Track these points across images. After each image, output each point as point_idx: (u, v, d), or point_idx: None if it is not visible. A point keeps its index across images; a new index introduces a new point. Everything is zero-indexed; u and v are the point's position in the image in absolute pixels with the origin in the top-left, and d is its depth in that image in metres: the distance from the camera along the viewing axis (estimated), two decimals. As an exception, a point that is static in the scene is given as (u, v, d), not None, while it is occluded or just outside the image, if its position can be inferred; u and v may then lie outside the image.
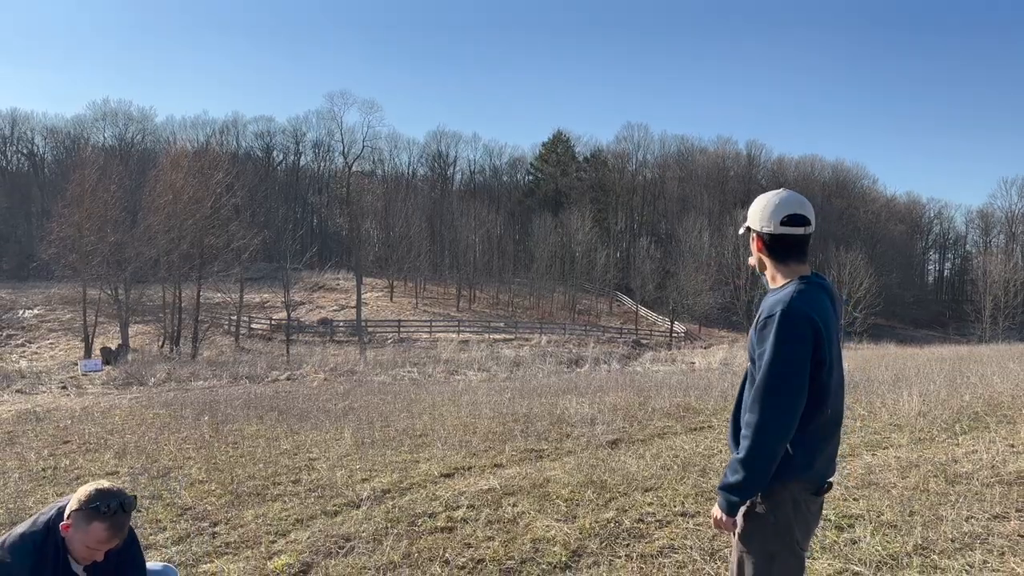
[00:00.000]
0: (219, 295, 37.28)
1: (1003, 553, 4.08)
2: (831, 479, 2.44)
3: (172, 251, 31.15)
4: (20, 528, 2.74)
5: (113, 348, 28.75)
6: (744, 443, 2.25)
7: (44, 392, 17.37)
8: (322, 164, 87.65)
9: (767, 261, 2.44)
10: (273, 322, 40.61)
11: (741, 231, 2.55)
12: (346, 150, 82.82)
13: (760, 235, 2.40)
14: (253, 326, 40.60)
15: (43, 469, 7.28)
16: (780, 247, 2.39)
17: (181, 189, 31.69)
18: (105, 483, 2.77)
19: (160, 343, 32.53)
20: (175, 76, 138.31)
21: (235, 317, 37.31)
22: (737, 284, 57.08)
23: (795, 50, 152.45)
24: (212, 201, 33.08)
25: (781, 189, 2.48)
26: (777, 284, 2.42)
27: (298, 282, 47.07)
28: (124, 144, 73.40)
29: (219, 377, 20.18)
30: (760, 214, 2.39)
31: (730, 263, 58.49)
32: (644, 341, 47.64)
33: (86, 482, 6.46)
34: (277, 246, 46.48)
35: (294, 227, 55.17)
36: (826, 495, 2.50)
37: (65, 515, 2.69)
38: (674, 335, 51.32)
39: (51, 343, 36.93)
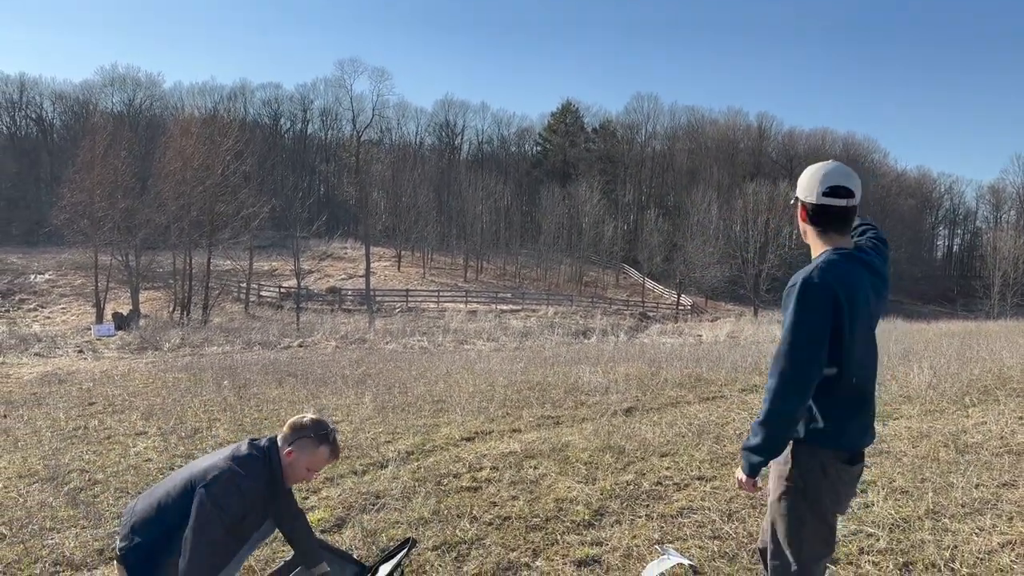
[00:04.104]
0: (229, 262, 37.48)
1: (1011, 518, 4.23)
2: (863, 448, 2.46)
3: (182, 218, 31.21)
4: (244, 450, 3.00)
5: (124, 314, 28.99)
6: (763, 408, 2.33)
7: (61, 355, 17.64)
8: (330, 132, 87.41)
9: (809, 231, 2.48)
10: (282, 290, 40.85)
11: (791, 202, 2.58)
12: (355, 118, 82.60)
13: (804, 205, 2.45)
14: (262, 294, 40.87)
15: (74, 429, 7.49)
16: (821, 218, 2.42)
17: (191, 156, 31.68)
18: (313, 414, 3.14)
19: (171, 309, 32.79)
20: (182, 41, 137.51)
21: (244, 284, 37.57)
22: (745, 257, 56.97)
23: (806, 22, 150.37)
24: (221, 168, 33.09)
25: (830, 161, 2.50)
26: (815, 254, 2.48)
27: (307, 251, 47.32)
28: (132, 110, 73.20)
29: (232, 343, 20.42)
30: (805, 184, 2.44)
31: (738, 236, 58.33)
32: (651, 314, 47.76)
33: (119, 440, 6.67)
34: (286, 214, 46.52)
35: (303, 196, 55.10)
36: (862, 465, 2.51)
37: (285, 444, 3.01)
38: (681, 308, 51.43)
39: (63, 308, 37.29)
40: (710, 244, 55.71)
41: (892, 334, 19.54)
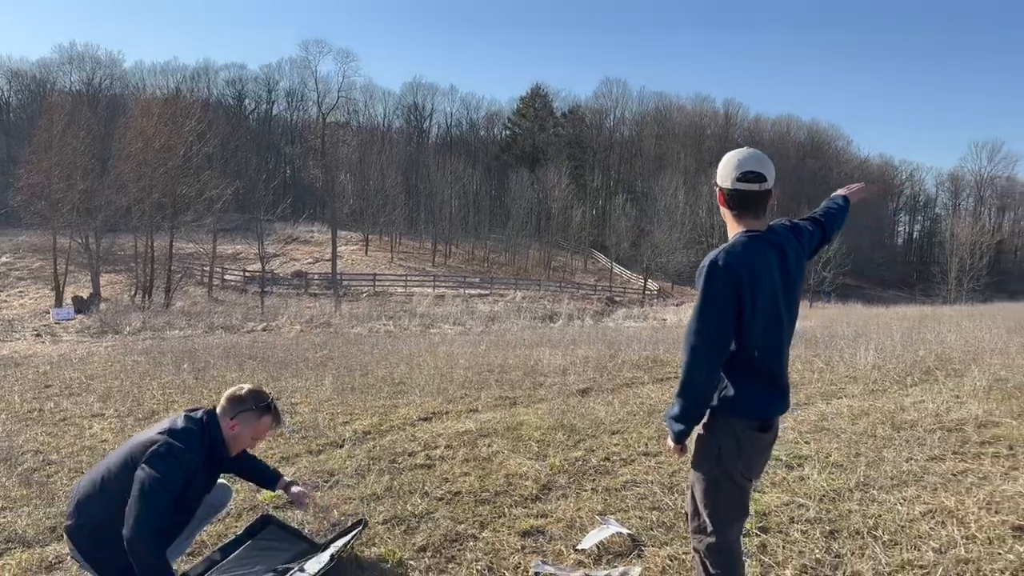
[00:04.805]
0: (191, 245, 36.94)
1: (935, 489, 4.47)
2: (773, 417, 2.62)
3: (143, 200, 30.68)
4: (180, 423, 3.08)
5: (85, 297, 28.50)
6: (680, 380, 2.52)
7: (19, 339, 17.34)
8: (295, 114, 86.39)
9: (727, 215, 2.62)
10: (247, 274, 40.41)
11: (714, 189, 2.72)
12: (320, 100, 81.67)
13: (721, 190, 2.58)
14: (226, 277, 40.38)
15: (28, 411, 7.44)
16: (736, 202, 2.55)
17: (152, 137, 31.08)
18: (248, 385, 3.25)
19: (132, 293, 32.29)
20: (144, 19, 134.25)
21: (208, 268, 37.09)
22: (711, 243, 57.59)
23: (774, 10, 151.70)
24: (184, 150, 32.52)
25: (745, 148, 2.63)
26: (730, 236, 2.63)
27: (272, 234, 46.71)
28: (92, 89, 71.45)
29: (194, 327, 20.23)
30: (721, 170, 2.57)
31: (704, 222, 58.98)
32: (617, 298, 48.17)
33: (74, 423, 6.66)
34: (250, 197, 45.88)
35: (267, 178, 54.35)
36: (778, 434, 2.70)
37: (226, 417, 3.12)
38: (647, 292, 51.97)
39: (20, 291, 36.47)
40: (677, 229, 56.25)
41: (848, 317, 20.05)
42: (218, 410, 3.16)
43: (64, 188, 29.41)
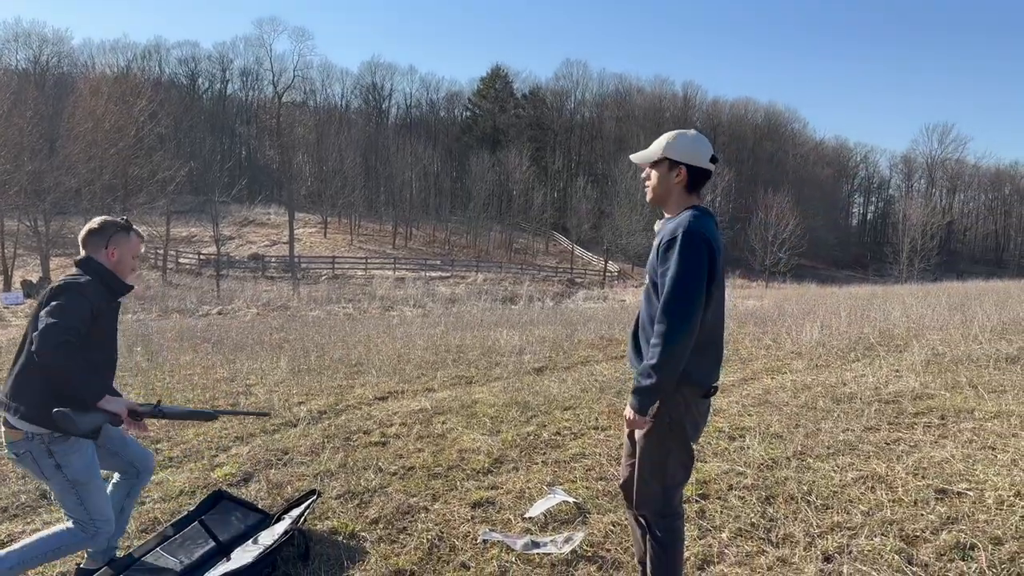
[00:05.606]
0: (144, 228, 36.13)
1: (868, 457, 4.69)
2: (716, 383, 2.75)
3: (94, 181, 30.06)
4: (58, 282, 2.99)
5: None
6: (655, 350, 2.49)
7: (-36, 325, 16.91)
8: (250, 93, 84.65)
9: (677, 192, 2.70)
10: (202, 257, 39.74)
11: (638, 158, 2.77)
12: (276, 79, 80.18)
13: (688, 168, 2.67)
14: (181, 260, 39.69)
15: (-25, 396, 7.31)
16: (698, 181, 2.69)
17: (102, 117, 30.44)
18: (95, 218, 3.24)
19: (84, 277, 31.57)
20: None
21: (162, 251, 36.42)
22: (670, 224, 58.12)
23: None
24: (135, 130, 31.92)
25: (692, 130, 2.73)
26: (674, 213, 2.71)
27: (227, 216, 46.04)
28: (39, 68, 69.12)
29: (148, 311, 19.94)
30: (690, 150, 2.66)
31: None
32: (578, 280, 48.53)
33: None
34: (204, 178, 45.08)
35: (222, 159, 53.41)
36: (714, 398, 2.81)
37: (100, 250, 3.12)
38: (608, 274, 52.40)
39: (-34, 276, 35.37)
40: (637, 212, 56.59)
41: (801, 297, 20.49)
42: (86, 253, 3.14)
43: (11, 169, 28.62)
